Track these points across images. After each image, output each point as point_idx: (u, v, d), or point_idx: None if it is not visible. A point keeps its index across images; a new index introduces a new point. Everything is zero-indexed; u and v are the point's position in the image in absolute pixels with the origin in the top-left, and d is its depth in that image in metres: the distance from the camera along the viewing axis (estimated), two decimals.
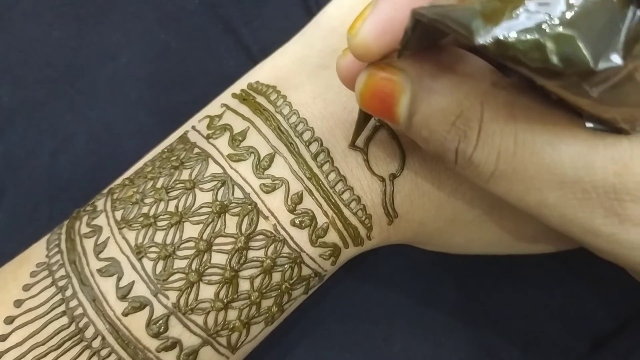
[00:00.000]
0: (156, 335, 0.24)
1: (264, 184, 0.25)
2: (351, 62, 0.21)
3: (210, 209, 0.24)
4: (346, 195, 0.25)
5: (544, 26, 0.14)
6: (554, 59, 0.14)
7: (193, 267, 0.24)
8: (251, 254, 0.24)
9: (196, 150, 0.26)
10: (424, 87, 0.19)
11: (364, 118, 0.24)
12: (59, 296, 0.24)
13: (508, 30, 0.14)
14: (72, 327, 0.23)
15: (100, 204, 0.26)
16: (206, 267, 0.24)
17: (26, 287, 0.24)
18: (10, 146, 0.35)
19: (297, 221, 0.25)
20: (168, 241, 0.24)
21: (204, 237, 0.24)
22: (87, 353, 0.23)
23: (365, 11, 0.19)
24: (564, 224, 0.18)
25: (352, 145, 0.25)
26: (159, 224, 0.24)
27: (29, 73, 0.36)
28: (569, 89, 0.15)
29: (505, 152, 0.18)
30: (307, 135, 0.25)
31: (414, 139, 0.21)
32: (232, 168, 0.25)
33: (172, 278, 0.24)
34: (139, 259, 0.24)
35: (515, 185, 0.18)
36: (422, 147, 0.21)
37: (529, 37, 0.14)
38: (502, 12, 0.14)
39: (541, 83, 0.15)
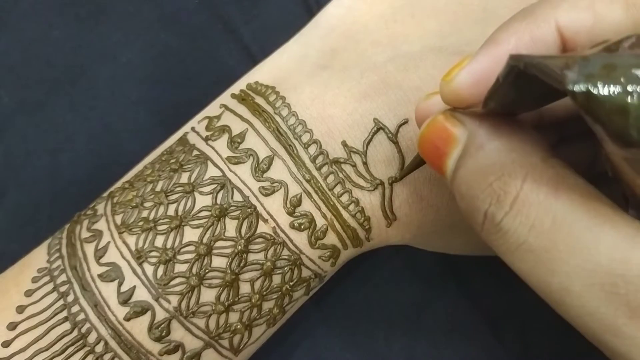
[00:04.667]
0: (158, 339, 0.24)
1: (263, 187, 0.25)
2: (430, 106, 0.21)
3: (209, 213, 0.24)
4: (345, 198, 0.25)
5: (635, 96, 0.14)
6: (633, 129, 0.14)
7: (194, 271, 0.24)
8: (251, 257, 0.24)
9: (195, 152, 0.26)
10: (475, 144, 0.19)
11: (418, 162, 0.24)
12: (61, 302, 0.24)
13: (602, 87, 0.14)
14: (75, 333, 0.24)
15: (100, 208, 0.26)
16: (207, 270, 0.24)
17: (28, 293, 0.24)
18: (10, 146, 0.35)
19: (296, 223, 0.25)
20: (168, 245, 0.24)
21: (204, 240, 0.24)
22: (90, 358, 0.23)
23: (464, 61, 0.19)
24: (583, 316, 0.17)
25: (398, 180, 0.26)
26: (159, 228, 0.24)
27: (29, 73, 0.36)
28: (633, 164, 0.15)
29: (539, 226, 0.17)
30: (306, 138, 0.25)
31: (453, 193, 0.20)
32: (231, 171, 0.25)
33: (173, 282, 0.24)
34: (140, 264, 0.24)
35: (542, 264, 0.17)
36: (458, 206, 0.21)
37: (618, 100, 0.14)
38: (603, 72, 0.14)
39: (609, 149, 0.15)
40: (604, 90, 0.14)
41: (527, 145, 0.19)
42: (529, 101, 0.19)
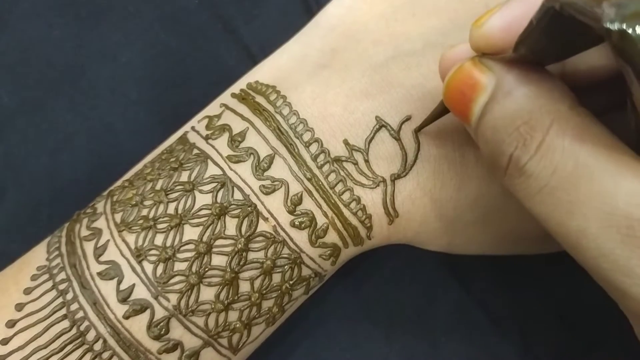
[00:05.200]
0: (157, 338, 0.24)
1: (263, 186, 0.25)
2: (456, 54, 0.22)
3: (209, 211, 0.24)
4: (346, 196, 0.25)
5: None
6: None
7: (193, 269, 0.24)
8: (251, 255, 0.24)
9: (195, 151, 0.26)
10: (503, 90, 0.19)
11: (440, 111, 0.24)
12: (60, 299, 0.24)
13: (638, 27, 0.14)
14: (74, 331, 0.23)
15: (100, 207, 0.26)
16: (206, 269, 0.24)
17: (27, 291, 0.24)
18: (10, 146, 0.35)
19: (296, 222, 0.25)
20: (168, 244, 0.24)
21: (204, 239, 0.24)
22: (89, 356, 0.23)
23: (495, 7, 0.20)
24: (598, 257, 0.18)
25: (417, 130, 0.26)
26: (159, 226, 0.24)
27: (29, 73, 0.36)
28: None
29: (562, 170, 0.18)
30: (307, 136, 0.25)
31: (476, 140, 0.21)
32: (231, 169, 0.25)
33: (172, 280, 0.24)
34: (139, 262, 0.24)
35: (561, 206, 0.18)
36: (479, 150, 0.21)
37: None
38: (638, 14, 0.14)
39: (637, 94, 0.16)
40: (638, 30, 0.14)
41: (554, 92, 0.19)
42: (560, 48, 0.19)
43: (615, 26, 0.14)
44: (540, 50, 0.19)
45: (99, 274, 0.24)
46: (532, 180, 0.18)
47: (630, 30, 0.14)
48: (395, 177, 0.25)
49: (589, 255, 0.18)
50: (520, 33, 0.18)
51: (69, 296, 0.24)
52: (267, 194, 0.25)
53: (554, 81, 0.20)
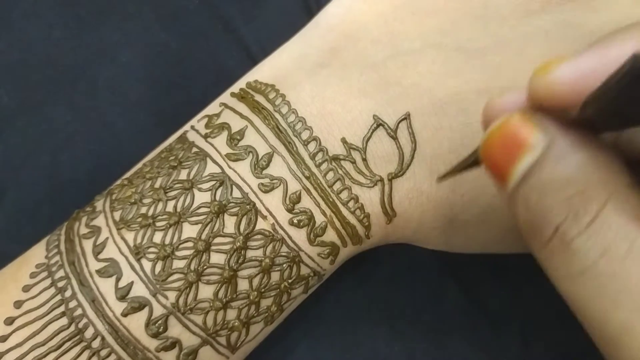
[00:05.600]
0: (155, 335, 0.24)
1: (262, 184, 0.25)
2: (504, 104, 0.19)
3: (208, 209, 0.24)
4: (344, 194, 0.25)
5: None
6: None
7: (192, 267, 0.24)
8: (250, 253, 0.24)
9: (194, 149, 0.26)
10: (557, 153, 0.17)
11: (471, 162, 0.21)
12: (59, 297, 0.24)
13: None
14: (72, 328, 0.23)
15: (99, 205, 0.26)
16: (205, 267, 0.24)
17: (26, 288, 0.24)
18: (10, 146, 0.35)
19: (295, 220, 0.25)
20: (167, 241, 0.24)
21: (203, 237, 0.24)
22: (86, 353, 0.23)
23: (564, 57, 0.17)
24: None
25: (441, 179, 0.23)
26: (158, 224, 0.24)
27: (29, 73, 0.36)
28: None
29: (614, 252, 0.16)
30: (305, 135, 0.25)
31: (509, 204, 0.19)
32: (230, 168, 0.25)
33: (171, 278, 0.24)
34: (138, 260, 0.24)
35: (606, 294, 0.16)
36: (515, 217, 0.19)
37: None
38: None
39: None
40: None
41: (613, 165, 0.17)
42: (634, 114, 0.17)
43: None
44: (609, 114, 0.16)
45: (97, 271, 0.24)
46: (577, 259, 0.16)
47: None
48: (393, 176, 0.25)
49: (627, 355, 0.16)
50: (593, 90, 0.16)
51: (68, 293, 0.24)
52: (265, 192, 0.25)
53: (611, 153, 0.18)
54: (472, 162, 0.21)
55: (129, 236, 0.24)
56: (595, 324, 0.16)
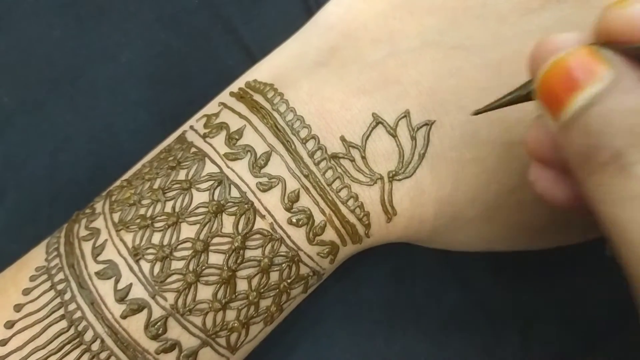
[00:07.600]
0: (155, 337, 0.24)
1: (260, 183, 0.25)
2: (562, 41, 0.20)
3: (206, 209, 0.24)
4: (343, 193, 0.25)
5: None
6: None
7: (190, 268, 0.24)
8: (248, 253, 0.24)
9: (193, 149, 0.26)
10: (624, 86, 0.18)
11: (514, 98, 0.21)
12: (58, 300, 0.24)
13: None
14: (72, 331, 0.23)
15: (98, 207, 0.26)
16: (203, 267, 0.24)
17: (26, 291, 0.24)
18: (10, 146, 0.35)
19: (294, 219, 0.25)
20: (165, 242, 0.24)
21: (201, 237, 0.24)
22: (86, 356, 0.23)
23: None
24: None
25: (477, 112, 0.22)
26: (156, 225, 0.24)
27: (29, 73, 0.36)
28: None
29: None
30: (303, 133, 0.25)
31: (560, 133, 0.19)
32: (228, 167, 0.25)
33: (169, 279, 0.24)
34: (137, 261, 0.24)
35: None
36: (565, 147, 0.19)
37: None
38: None
39: None
40: None
41: None
42: None
43: None
44: None
45: (96, 273, 0.24)
46: (632, 184, 0.17)
47: None
48: (393, 174, 0.25)
49: None
50: None
51: (67, 296, 0.24)
52: (264, 191, 0.25)
53: None
54: (513, 98, 0.21)
55: (128, 237, 0.24)
56: (637, 249, 0.17)
